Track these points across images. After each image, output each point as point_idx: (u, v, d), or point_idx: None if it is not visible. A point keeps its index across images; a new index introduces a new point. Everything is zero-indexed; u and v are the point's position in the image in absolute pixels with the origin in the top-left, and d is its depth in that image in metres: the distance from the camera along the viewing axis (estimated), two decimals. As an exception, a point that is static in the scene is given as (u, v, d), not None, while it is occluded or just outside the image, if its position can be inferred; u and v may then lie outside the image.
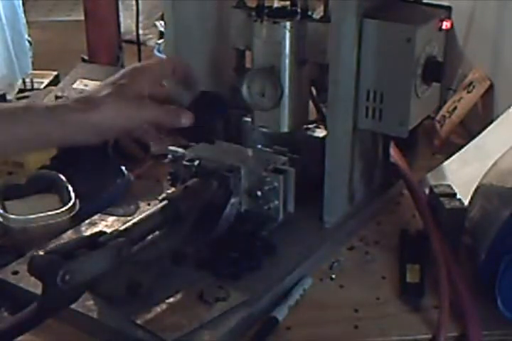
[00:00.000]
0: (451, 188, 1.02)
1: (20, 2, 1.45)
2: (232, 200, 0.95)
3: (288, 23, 0.97)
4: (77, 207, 1.03)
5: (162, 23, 1.52)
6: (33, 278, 0.77)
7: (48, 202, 1.04)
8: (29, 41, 1.46)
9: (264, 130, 1.05)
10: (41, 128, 0.80)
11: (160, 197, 0.91)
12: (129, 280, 0.85)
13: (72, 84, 1.27)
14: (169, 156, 1.00)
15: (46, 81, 1.37)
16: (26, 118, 0.79)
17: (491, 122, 1.19)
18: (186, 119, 0.87)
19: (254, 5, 1.00)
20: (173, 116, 0.87)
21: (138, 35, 1.44)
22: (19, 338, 0.77)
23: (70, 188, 1.04)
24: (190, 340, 0.82)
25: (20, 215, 1.00)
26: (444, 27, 0.96)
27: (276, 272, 0.92)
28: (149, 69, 0.89)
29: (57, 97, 1.19)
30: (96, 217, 1.03)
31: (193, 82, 0.93)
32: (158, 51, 1.42)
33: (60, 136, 0.81)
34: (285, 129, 1.03)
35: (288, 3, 1.01)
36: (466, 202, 1.00)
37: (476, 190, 0.99)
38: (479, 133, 1.19)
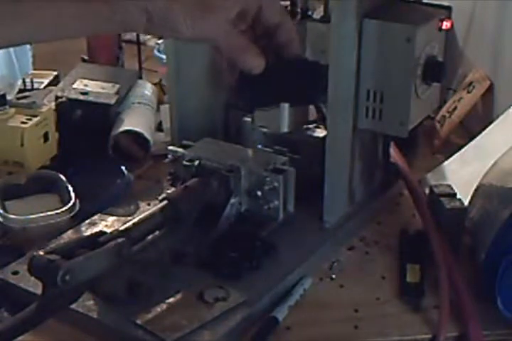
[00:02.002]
0: (451, 188, 1.02)
1: (20, 2, 1.44)
2: (232, 200, 0.95)
3: (288, 23, 0.96)
4: (77, 207, 1.03)
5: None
6: (33, 278, 0.77)
7: (48, 202, 1.05)
8: (29, 41, 1.46)
9: (264, 130, 1.05)
10: (87, 7, 0.69)
11: (160, 197, 0.91)
12: (129, 280, 0.85)
13: (72, 84, 1.27)
14: (169, 156, 1.00)
15: (46, 81, 1.37)
16: None
17: (491, 122, 1.19)
18: (255, 62, 0.72)
19: (254, 5, 1.00)
20: (239, 49, 0.72)
21: (138, 35, 1.44)
22: (19, 338, 0.77)
23: (70, 188, 1.05)
24: (190, 340, 0.82)
25: (20, 215, 1.00)
26: (444, 27, 0.96)
27: (276, 272, 0.92)
28: None
29: (57, 97, 1.19)
30: (96, 217, 1.03)
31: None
32: (158, 51, 1.41)
33: (110, 17, 0.70)
34: (285, 129, 1.03)
35: (288, 3, 1.01)
36: (466, 202, 1.00)
37: (476, 190, 0.99)
38: (479, 133, 1.19)
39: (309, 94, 0.91)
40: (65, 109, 1.18)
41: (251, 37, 0.75)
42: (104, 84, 1.26)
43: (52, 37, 0.75)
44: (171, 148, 1.01)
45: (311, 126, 1.07)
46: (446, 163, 1.18)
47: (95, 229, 0.98)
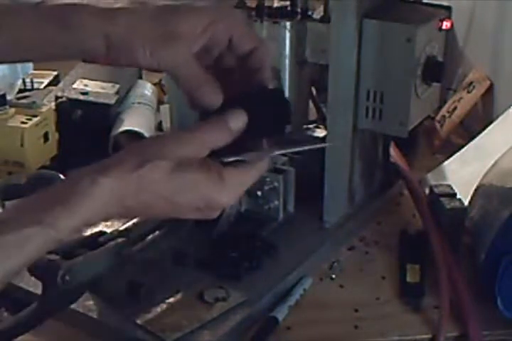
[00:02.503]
0: (451, 188, 1.02)
1: (21, 2, 1.44)
2: (232, 200, 0.95)
3: (288, 23, 0.97)
4: (77, 207, 1.03)
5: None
6: (33, 278, 0.77)
7: (48, 202, 1.04)
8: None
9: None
10: (46, 31, 0.66)
11: (160, 197, 0.91)
12: (129, 280, 0.85)
13: (72, 84, 1.26)
14: (169, 156, 1.00)
15: (46, 81, 1.37)
16: (32, 18, 0.66)
17: (491, 122, 1.19)
18: (212, 98, 0.67)
19: (254, 5, 1.00)
20: (196, 82, 0.67)
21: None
22: (19, 338, 0.77)
23: (70, 188, 1.04)
24: (190, 340, 0.82)
25: (21, 215, 1.00)
26: (444, 27, 0.96)
27: (277, 272, 0.92)
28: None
29: (57, 97, 1.19)
30: (96, 217, 1.02)
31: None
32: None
33: (68, 42, 0.67)
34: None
35: (288, 3, 1.01)
36: (466, 202, 1.00)
37: (476, 190, 0.99)
38: (479, 133, 1.19)
39: (279, 124, 0.83)
40: (65, 109, 1.18)
41: (217, 70, 0.71)
42: (104, 84, 1.26)
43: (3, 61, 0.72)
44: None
45: (311, 126, 1.07)
46: (446, 163, 1.18)
47: (95, 229, 0.98)
